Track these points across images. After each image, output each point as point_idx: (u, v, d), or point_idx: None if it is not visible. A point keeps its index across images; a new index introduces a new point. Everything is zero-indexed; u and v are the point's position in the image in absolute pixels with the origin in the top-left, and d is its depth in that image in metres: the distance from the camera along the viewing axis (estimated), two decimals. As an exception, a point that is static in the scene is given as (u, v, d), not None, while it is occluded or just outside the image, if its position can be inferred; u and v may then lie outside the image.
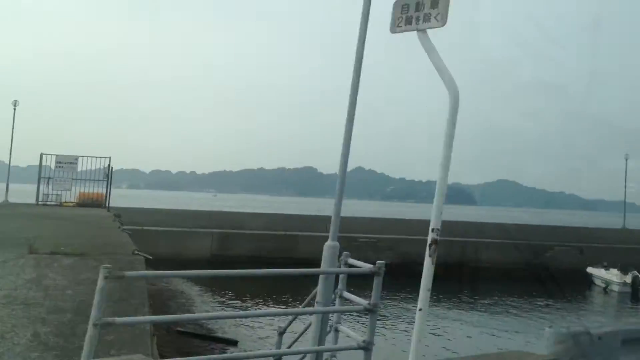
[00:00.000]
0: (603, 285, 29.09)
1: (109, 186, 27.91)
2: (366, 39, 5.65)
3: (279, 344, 6.53)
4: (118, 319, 4.04)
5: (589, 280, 30.24)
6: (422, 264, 4.00)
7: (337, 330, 5.68)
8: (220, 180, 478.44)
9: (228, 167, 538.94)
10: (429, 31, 4.14)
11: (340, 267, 5.60)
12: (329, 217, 6.11)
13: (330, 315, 5.76)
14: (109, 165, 28.31)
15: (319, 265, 5.79)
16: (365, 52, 5.63)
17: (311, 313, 5.67)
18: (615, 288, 28.05)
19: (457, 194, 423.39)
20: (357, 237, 28.19)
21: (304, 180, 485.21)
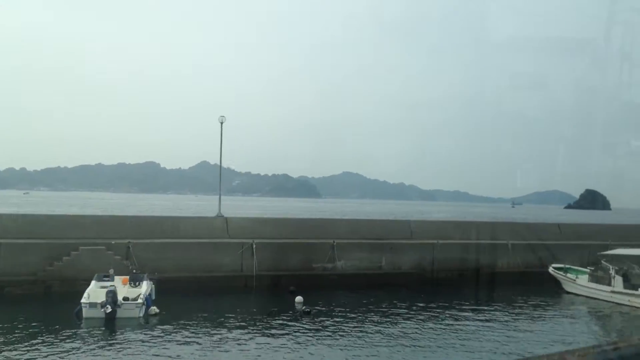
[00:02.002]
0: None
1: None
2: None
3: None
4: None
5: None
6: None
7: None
8: (55, 177, 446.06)
9: (63, 163, 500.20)
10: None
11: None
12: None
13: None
14: None
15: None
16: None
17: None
18: (89, 312, 19.56)
19: (302, 187, 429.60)
20: None
21: (146, 175, 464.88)
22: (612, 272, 26.59)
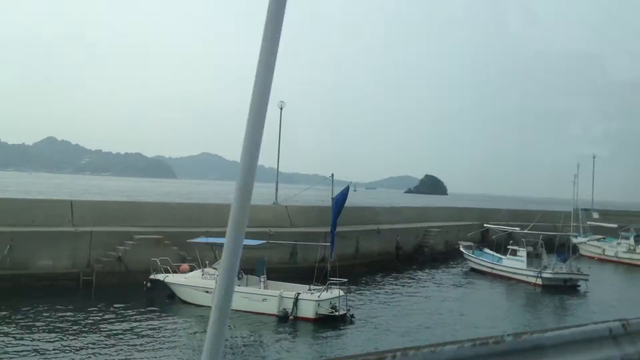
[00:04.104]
0: None
1: None
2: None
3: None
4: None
5: None
6: None
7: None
8: None
9: None
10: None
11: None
12: None
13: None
14: None
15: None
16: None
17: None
18: None
19: (157, 167, 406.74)
20: None
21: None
22: None
